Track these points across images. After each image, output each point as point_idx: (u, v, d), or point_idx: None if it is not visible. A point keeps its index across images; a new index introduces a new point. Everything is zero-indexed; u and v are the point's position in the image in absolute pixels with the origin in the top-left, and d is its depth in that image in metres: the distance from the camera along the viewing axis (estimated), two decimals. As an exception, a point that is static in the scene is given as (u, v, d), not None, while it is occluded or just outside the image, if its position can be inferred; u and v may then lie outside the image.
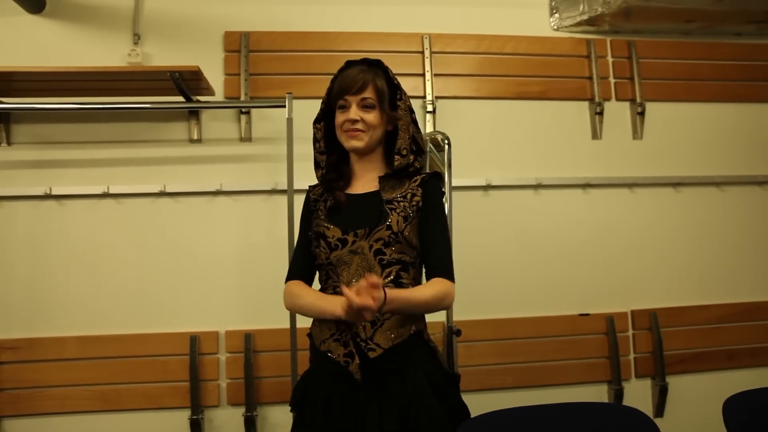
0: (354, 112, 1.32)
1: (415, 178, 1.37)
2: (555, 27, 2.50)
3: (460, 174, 2.04)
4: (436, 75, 2.37)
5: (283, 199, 2.11)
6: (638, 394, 2.38)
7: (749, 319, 2.47)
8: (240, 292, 2.22)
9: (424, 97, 2.35)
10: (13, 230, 2.16)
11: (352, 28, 2.36)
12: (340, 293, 1.20)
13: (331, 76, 1.39)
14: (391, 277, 1.29)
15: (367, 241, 1.28)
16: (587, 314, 2.38)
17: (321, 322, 1.34)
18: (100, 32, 2.24)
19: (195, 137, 2.25)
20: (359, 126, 1.32)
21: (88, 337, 2.13)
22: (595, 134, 2.47)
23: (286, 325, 1.96)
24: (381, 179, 1.36)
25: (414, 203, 1.32)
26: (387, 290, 1.15)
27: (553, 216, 2.40)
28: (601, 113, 2.46)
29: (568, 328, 2.36)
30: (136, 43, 2.24)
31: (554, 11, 2.50)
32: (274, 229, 2.21)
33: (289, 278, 1.41)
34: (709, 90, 2.55)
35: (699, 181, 2.50)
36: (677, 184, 2.49)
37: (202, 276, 2.21)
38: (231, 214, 2.24)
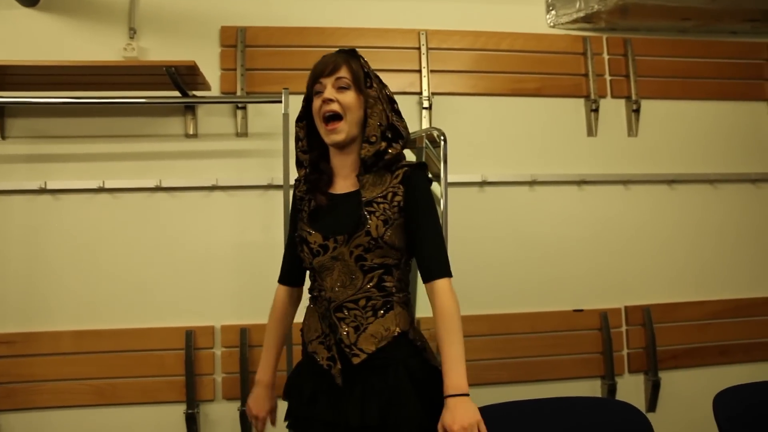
0: (329, 92, 1.28)
1: (396, 173, 1.29)
2: (551, 24, 2.51)
3: (455, 170, 2.04)
4: (432, 71, 2.37)
5: (279, 195, 2.12)
6: (631, 389, 2.40)
7: (742, 315, 2.49)
8: (236, 286, 2.22)
9: (421, 93, 2.35)
10: (8, 225, 2.15)
11: (349, 24, 2.36)
12: (326, 298, 1.28)
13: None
14: (374, 282, 1.25)
15: (347, 247, 1.24)
16: (581, 310, 2.39)
17: (309, 320, 1.35)
18: (96, 26, 2.23)
19: (191, 132, 2.25)
20: (335, 107, 1.27)
21: (84, 331, 2.13)
22: (591, 131, 2.48)
23: (282, 320, 1.97)
24: (359, 177, 1.30)
25: (395, 203, 1.26)
26: (447, 381, 1.18)
27: (548, 212, 2.41)
28: (596, 110, 2.46)
29: (562, 324, 2.37)
30: (131, 38, 2.23)
31: (551, 8, 2.50)
32: (269, 224, 2.22)
33: (280, 279, 1.48)
34: (704, 88, 2.56)
35: (694, 179, 2.51)
36: (672, 181, 2.51)
37: (197, 271, 2.21)
38: (227, 209, 2.24)
